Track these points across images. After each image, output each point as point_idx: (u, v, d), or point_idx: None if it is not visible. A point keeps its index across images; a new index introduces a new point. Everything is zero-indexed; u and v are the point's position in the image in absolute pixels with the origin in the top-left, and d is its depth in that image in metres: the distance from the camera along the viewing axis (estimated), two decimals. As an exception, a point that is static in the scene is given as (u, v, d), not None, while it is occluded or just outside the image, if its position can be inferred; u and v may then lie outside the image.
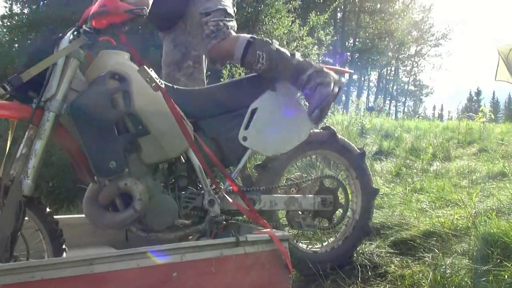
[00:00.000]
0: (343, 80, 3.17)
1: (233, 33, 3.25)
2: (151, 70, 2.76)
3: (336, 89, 3.13)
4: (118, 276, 2.21)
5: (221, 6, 3.29)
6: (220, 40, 3.19)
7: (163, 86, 2.80)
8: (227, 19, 3.28)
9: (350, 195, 3.72)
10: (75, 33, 2.80)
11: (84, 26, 2.78)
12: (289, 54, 3.19)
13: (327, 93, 3.06)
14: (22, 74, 2.54)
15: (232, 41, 3.19)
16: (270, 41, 3.18)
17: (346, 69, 4.46)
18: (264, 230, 2.81)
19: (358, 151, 3.74)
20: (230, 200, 3.04)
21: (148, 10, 2.80)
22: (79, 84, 2.81)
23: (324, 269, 3.40)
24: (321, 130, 3.65)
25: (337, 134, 3.64)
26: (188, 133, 2.91)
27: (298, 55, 3.22)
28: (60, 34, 2.82)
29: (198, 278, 2.42)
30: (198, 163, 3.01)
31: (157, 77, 2.77)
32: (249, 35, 3.22)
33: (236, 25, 3.35)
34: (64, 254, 2.70)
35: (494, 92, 76.19)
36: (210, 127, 3.13)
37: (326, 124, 3.95)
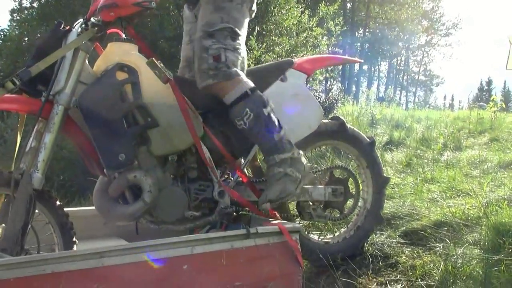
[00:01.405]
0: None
1: (234, 74, 2.96)
2: (160, 62, 2.76)
3: (299, 190, 3.02)
4: (129, 269, 2.23)
5: (227, 25, 3.00)
6: (217, 82, 2.94)
7: (171, 77, 2.80)
8: (231, 46, 2.99)
9: (360, 185, 3.70)
10: (83, 25, 2.80)
11: (92, 19, 2.78)
12: (276, 125, 2.98)
13: (289, 191, 2.93)
14: (31, 68, 2.55)
15: (229, 85, 2.95)
16: (266, 103, 2.98)
17: (356, 58, 4.46)
18: (274, 221, 2.81)
19: (368, 140, 3.72)
20: (233, 193, 3.04)
21: (156, 3, 2.78)
22: (88, 76, 2.81)
23: (335, 260, 3.39)
24: (330, 120, 3.64)
25: (346, 123, 3.62)
26: (193, 126, 2.90)
27: (283, 132, 3.01)
28: (68, 27, 2.82)
29: (209, 270, 2.43)
30: (208, 155, 3.00)
31: (165, 69, 2.77)
32: (249, 86, 2.97)
33: (243, 48, 3.10)
34: (75, 247, 2.72)
35: (505, 81, 75.72)
36: (219, 118, 3.12)
37: (336, 114, 3.90)
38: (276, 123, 2.99)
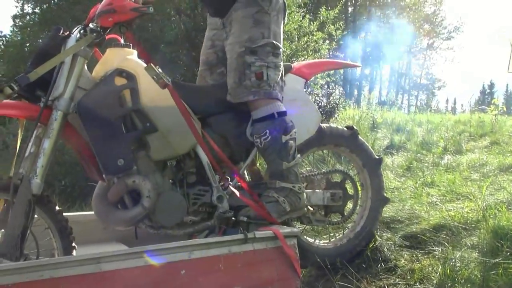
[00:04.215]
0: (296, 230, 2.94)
1: (273, 95, 3.09)
2: (158, 67, 2.77)
3: (281, 219, 3.09)
4: (127, 274, 2.23)
5: (268, 40, 3.09)
6: (257, 99, 3.07)
7: (170, 83, 2.81)
8: (273, 64, 3.10)
9: (359, 189, 3.71)
10: (81, 31, 2.81)
11: (90, 25, 2.80)
12: (289, 154, 3.09)
13: (270, 218, 3.02)
14: (29, 74, 2.56)
15: (263, 102, 3.07)
16: (288, 130, 3.07)
17: (356, 63, 4.46)
18: (272, 227, 2.82)
19: (376, 157, 3.76)
20: (238, 195, 3.03)
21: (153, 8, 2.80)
22: (87, 82, 2.82)
23: (334, 264, 3.39)
24: (344, 128, 3.68)
25: (358, 134, 3.68)
26: (195, 129, 2.92)
27: (294, 163, 3.12)
28: (67, 33, 2.83)
29: (207, 275, 2.43)
30: (206, 159, 3.02)
31: (164, 74, 2.78)
32: (279, 109, 3.08)
33: (282, 64, 3.22)
34: (74, 252, 2.73)
35: (507, 84, 75.52)
36: (218, 123, 3.13)
37: (337, 118, 3.87)
38: (291, 152, 3.10)
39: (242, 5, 3.12)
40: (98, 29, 2.79)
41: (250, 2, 3.10)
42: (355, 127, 3.73)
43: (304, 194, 3.21)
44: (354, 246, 3.66)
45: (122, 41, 3.04)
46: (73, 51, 2.72)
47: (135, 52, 3.00)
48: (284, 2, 3.27)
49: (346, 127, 3.72)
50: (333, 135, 3.61)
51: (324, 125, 3.61)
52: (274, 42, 3.12)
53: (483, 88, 77.93)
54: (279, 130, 3.04)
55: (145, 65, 2.81)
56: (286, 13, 3.35)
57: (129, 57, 2.95)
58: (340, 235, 3.78)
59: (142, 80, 2.86)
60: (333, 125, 3.71)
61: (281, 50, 3.18)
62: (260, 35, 3.07)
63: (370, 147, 3.80)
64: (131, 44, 2.99)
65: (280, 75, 3.17)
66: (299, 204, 3.15)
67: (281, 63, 3.19)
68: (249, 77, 3.03)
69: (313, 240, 3.67)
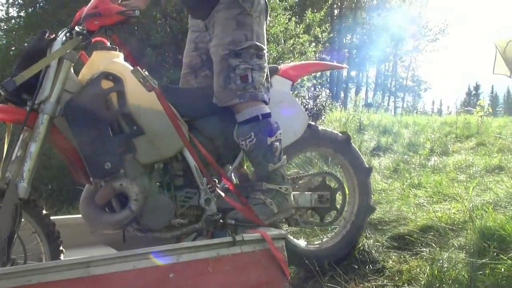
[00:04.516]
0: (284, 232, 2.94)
1: (259, 97, 3.10)
2: (145, 70, 2.77)
3: (269, 222, 3.11)
4: (115, 278, 2.23)
5: (253, 41, 3.09)
6: (243, 102, 3.06)
7: (156, 86, 2.80)
8: (257, 66, 3.10)
9: (347, 193, 3.72)
10: (67, 34, 2.80)
11: (76, 28, 2.79)
12: (275, 156, 3.10)
13: (258, 221, 3.03)
14: (15, 78, 2.54)
15: (247, 104, 3.06)
16: (273, 132, 3.08)
17: (342, 65, 4.47)
18: (259, 229, 2.82)
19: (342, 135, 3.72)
20: (224, 197, 3.03)
21: (139, 12, 2.79)
22: (73, 85, 2.81)
23: (322, 265, 3.39)
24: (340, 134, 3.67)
25: (318, 127, 3.63)
26: (182, 132, 2.91)
27: (280, 164, 3.14)
28: (53, 36, 2.82)
29: (195, 278, 2.43)
30: (194, 162, 3.02)
31: (150, 77, 2.78)
32: (263, 111, 3.09)
33: (266, 65, 3.20)
34: (62, 256, 2.71)
35: (493, 86, 76.01)
36: (205, 126, 3.13)
37: (323, 121, 3.87)
38: (277, 153, 3.11)
39: (224, 6, 3.11)
40: (84, 32, 2.79)
41: (232, 3, 3.09)
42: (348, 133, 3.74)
43: (291, 195, 3.23)
44: (356, 233, 3.71)
45: (108, 44, 3.03)
46: (59, 54, 2.71)
47: (121, 55, 2.99)
48: (265, 2, 3.26)
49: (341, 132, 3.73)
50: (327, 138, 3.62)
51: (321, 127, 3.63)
52: (258, 43, 3.12)
53: (469, 90, 78.35)
54: (264, 132, 3.05)
55: (131, 68, 2.81)
56: (268, 14, 3.34)
57: (115, 60, 2.94)
58: (338, 229, 3.80)
59: (128, 83, 2.85)
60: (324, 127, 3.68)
61: (265, 51, 3.17)
62: (243, 37, 3.07)
63: (333, 130, 3.79)
64: (117, 47, 2.98)
65: (265, 76, 3.17)
66: (286, 205, 3.16)
67: (266, 64, 3.19)
68: (234, 80, 3.04)
69: (316, 244, 3.69)
